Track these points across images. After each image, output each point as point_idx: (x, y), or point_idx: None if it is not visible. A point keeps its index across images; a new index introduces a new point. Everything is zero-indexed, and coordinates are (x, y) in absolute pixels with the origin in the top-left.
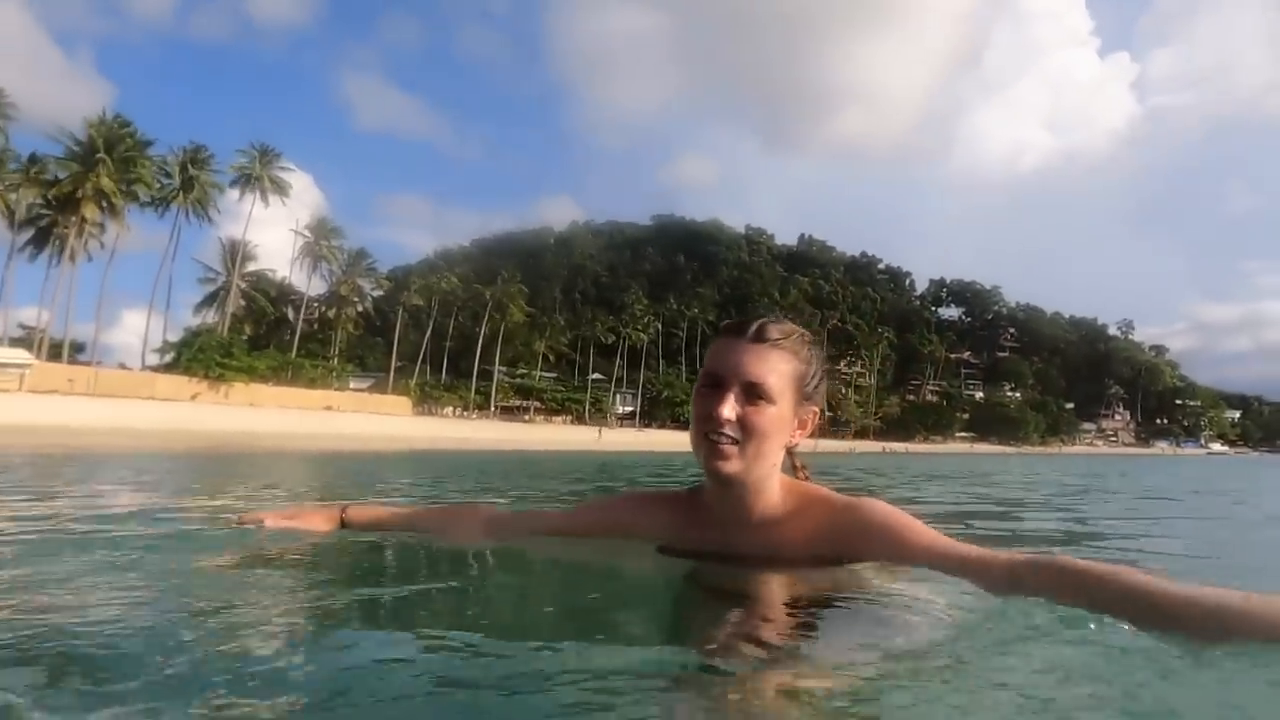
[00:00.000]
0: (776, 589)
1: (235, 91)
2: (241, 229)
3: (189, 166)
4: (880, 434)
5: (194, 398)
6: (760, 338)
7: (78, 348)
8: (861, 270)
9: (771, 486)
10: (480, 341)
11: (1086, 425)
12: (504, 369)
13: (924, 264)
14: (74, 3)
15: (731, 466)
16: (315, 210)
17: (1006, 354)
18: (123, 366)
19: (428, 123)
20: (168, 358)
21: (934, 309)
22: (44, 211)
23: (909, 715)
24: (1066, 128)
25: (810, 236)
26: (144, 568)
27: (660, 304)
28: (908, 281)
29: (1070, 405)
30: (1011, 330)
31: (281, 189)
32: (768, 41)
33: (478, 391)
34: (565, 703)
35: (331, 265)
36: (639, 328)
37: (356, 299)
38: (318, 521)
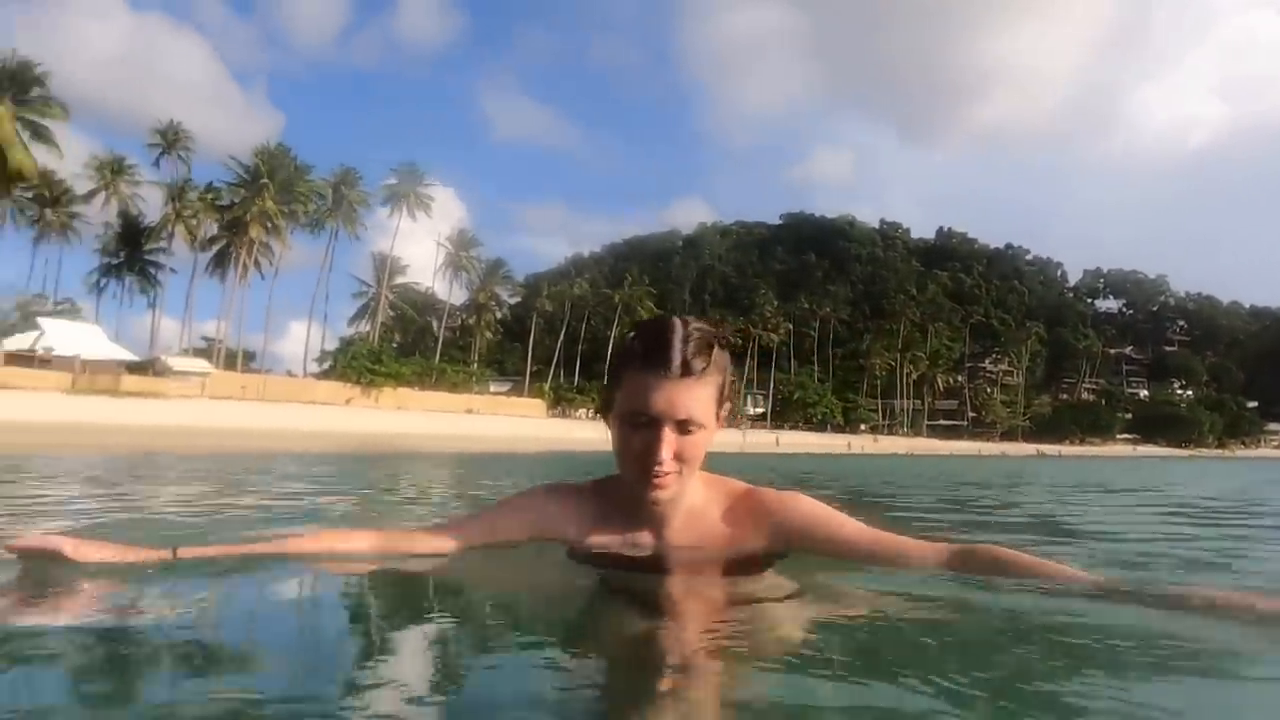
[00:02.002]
0: (710, 596)
1: (385, 112)
2: (390, 243)
3: (340, 188)
4: (1030, 435)
5: (348, 402)
6: (687, 371)
7: (250, 356)
8: (1007, 262)
9: (694, 486)
10: (611, 345)
11: (1274, 426)
12: None
13: (1078, 254)
14: (248, 39)
15: (669, 494)
16: (456, 222)
17: (1175, 348)
18: (289, 374)
19: (561, 131)
20: (326, 365)
21: (1090, 301)
22: (220, 234)
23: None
24: (1244, 98)
25: (949, 229)
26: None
27: (790, 304)
28: (1059, 272)
29: (1253, 404)
30: (1181, 322)
31: (425, 204)
32: (907, 29)
33: None
34: None
35: (470, 275)
36: (769, 328)
37: (494, 306)
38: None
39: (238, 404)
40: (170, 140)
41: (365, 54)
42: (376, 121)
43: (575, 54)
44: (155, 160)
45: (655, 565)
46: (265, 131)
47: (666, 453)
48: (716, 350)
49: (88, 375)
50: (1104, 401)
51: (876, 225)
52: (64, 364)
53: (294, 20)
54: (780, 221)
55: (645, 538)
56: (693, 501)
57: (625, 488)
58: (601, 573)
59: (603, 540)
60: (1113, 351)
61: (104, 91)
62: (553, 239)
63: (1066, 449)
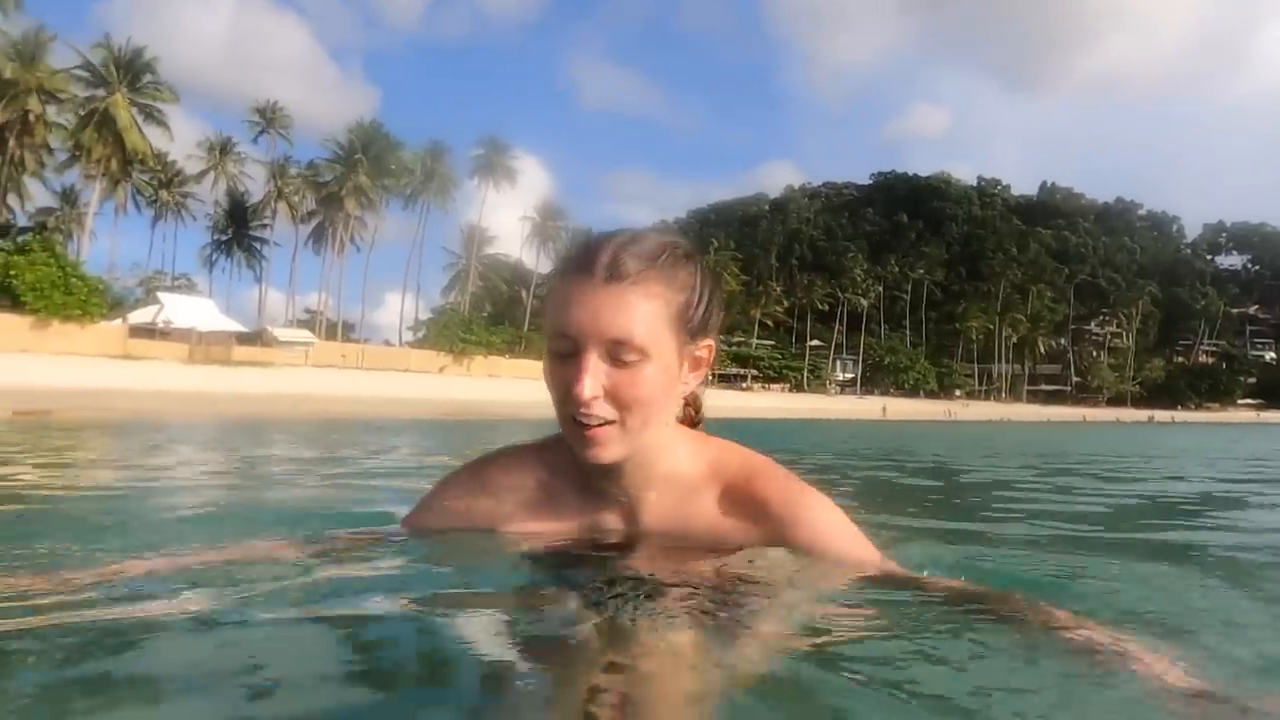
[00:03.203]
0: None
1: (474, 83)
2: (478, 215)
3: (429, 161)
4: (1140, 401)
5: (441, 370)
6: (617, 274)
7: (349, 327)
8: (1116, 218)
9: (670, 448)
10: None
11: None
12: (721, 337)
13: (1198, 207)
14: (344, 19)
15: (611, 453)
16: (543, 192)
17: None
18: (387, 343)
19: (649, 97)
20: (420, 334)
21: (1209, 258)
22: (317, 209)
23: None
24: None
25: (1053, 184)
26: None
27: (881, 266)
28: (1175, 228)
29: None
30: None
31: (511, 176)
32: None
33: None
34: None
35: (557, 244)
36: (858, 292)
37: None
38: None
39: (339, 372)
40: (269, 119)
41: (454, 27)
42: (466, 93)
43: (663, 16)
44: (254, 138)
45: (623, 550)
46: (361, 108)
47: (590, 386)
48: (668, 254)
49: (203, 346)
50: (1224, 364)
51: (974, 183)
52: (181, 335)
53: None
54: (871, 182)
55: (609, 519)
56: (675, 467)
57: (585, 466)
58: (549, 558)
59: (550, 526)
60: (1235, 311)
61: (207, 72)
62: (639, 206)
63: (1181, 415)
